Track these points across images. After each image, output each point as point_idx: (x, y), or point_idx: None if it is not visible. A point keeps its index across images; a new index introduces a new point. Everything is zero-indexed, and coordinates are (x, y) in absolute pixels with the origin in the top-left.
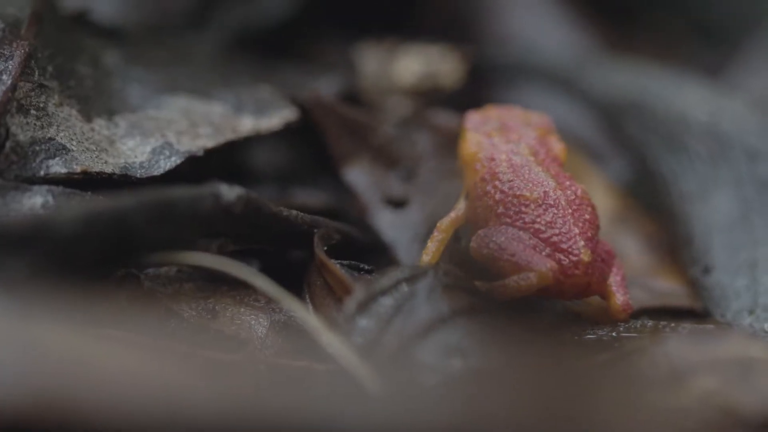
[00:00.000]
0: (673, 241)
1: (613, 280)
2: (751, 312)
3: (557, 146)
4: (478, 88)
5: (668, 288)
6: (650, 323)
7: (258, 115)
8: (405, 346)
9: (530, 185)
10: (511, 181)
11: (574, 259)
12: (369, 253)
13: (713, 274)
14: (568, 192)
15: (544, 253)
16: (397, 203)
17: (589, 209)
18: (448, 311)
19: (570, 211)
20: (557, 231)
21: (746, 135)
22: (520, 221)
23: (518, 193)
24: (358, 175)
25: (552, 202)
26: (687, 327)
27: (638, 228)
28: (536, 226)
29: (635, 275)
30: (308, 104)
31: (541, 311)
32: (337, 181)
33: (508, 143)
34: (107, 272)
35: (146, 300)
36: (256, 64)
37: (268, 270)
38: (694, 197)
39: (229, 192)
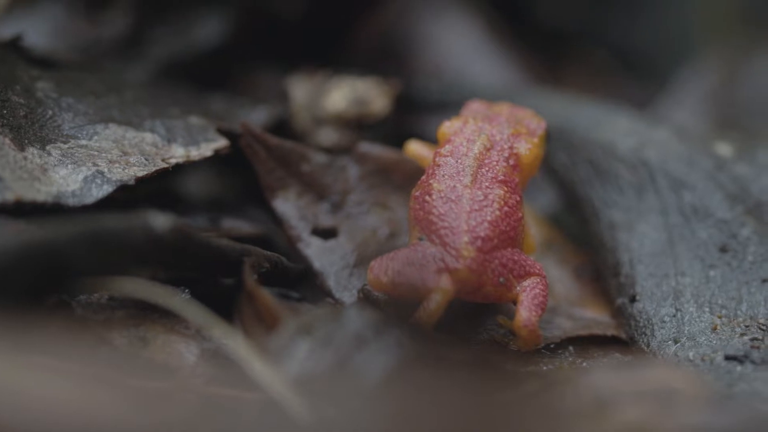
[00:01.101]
0: (600, 270)
1: (525, 296)
2: (675, 341)
3: (523, 147)
4: (406, 119)
5: (595, 317)
6: (576, 353)
7: (189, 144)
8: (333, 376)
9: (446, 175)
10: (439, 166)
11: (454, 253)
12: (299, 281)
13: (638, 303)
14: (478, 192)
15: (433, 258)
16: (326, 233)
17: (497, 213)
18: (376, 343)
19: (467, 208)
20: (446, 224)
21: (672, 165)
22: (422, 210)
23: (430, 180)
24: (287, 205)
25: (453, 197)
26: (612, 356)
27: (566, 258)
28: (431, 217)
29: (562, 305)
30: (238, 134)
31: (467, 341)
32: (267, 210)
33: (475, 131)
34: (39, 299)
35: (78, 328)
36: (187, 94)
37: (199, 297)
38: (622, 226)
39: (160, 221)
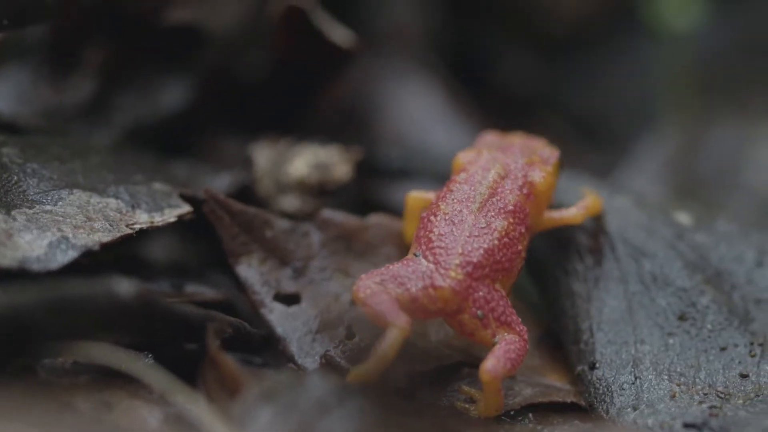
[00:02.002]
0: (561, 337)
1: (499, 347)
2: (634, 408)
3: (537, 175)
4: (369, 187)
5: (555, 384)
6: (535, 419)
7: (152, 210)
8: None
9: (456, 200)
10: (451, 191)
11: (442, 272)
12: (262, 347)
13: (598, 370)
14: (482, 219)
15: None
16: (289, 298)
17: (495, 243)
18: (338, 409)
19: (467, 233)
20: (443, 244)
21: (632, 233)
22: (424, 228)
23: (439, 203)
24: (251, 270)
25: (456, 221)
26: (572, 423)
27: (527, 325)
28: (431, 235)
29: (523, 371)
30: (201, 200)
31: (428, 407)
32: (230, 275)
33: (490, 160)
34: (2, 363)
35: (42, 392)
36: (152, 160)
37: (162, 362)
38: (582, 294)
39: (124, 286)
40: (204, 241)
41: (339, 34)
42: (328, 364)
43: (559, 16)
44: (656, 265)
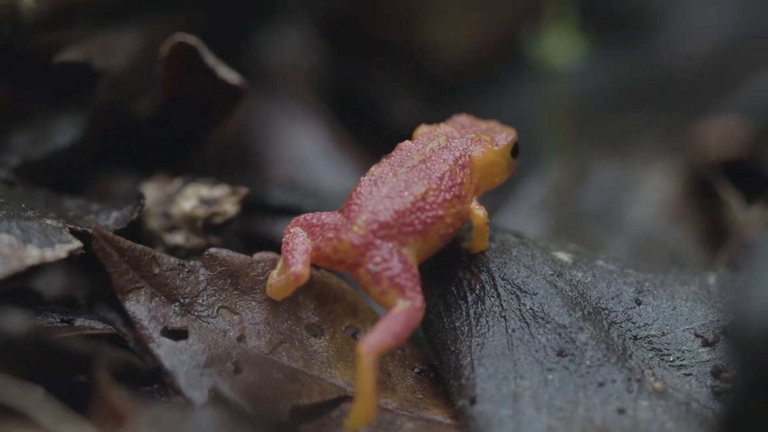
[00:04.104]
0: (442, 372)
1: (383, 320)
2: None
3: (478, 150)
4: (257, 224)
5: (436, 418)
6: None
7: (44, 245)
8: None
9: (389, 163)
10: (390, 156)
11: (348, 226)
12: (150, 380)
13: (478, 404)
14: (402, 182)
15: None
16: (177, 333)
17: (407, 205)
18: None
19: (384, 193)
20: (359, 202)
21: (513, 270)
22: (356, 188)
23: (374, 166)
24: (139, 306)
25: (379, 182)
26: None
27: (409, 360)
28: (353, 193)
29: (405, 406)
30: (91, 236)
31: None
32: (119, 310)
33: (439, 133)
34: None
35: None
36: (43, 196)
37: (53, 394)
38: (463, 330)
39: (14, 321)
40: (94, 277)
41: (228, 72)
42: (216, 398)
43: (446, 57)
44: (536, 302)
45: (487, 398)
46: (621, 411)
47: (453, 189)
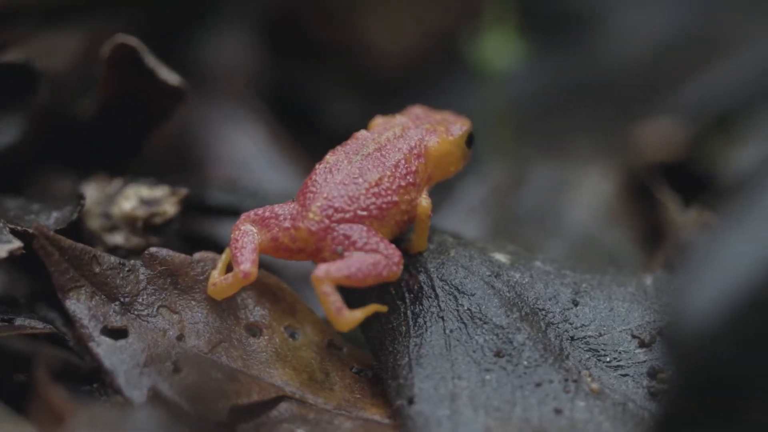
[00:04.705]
0: (380, 372)
1: (346, 257)
2: None
3: (433, 140)
4: (197, 225)
5: (374, 418)
6: None
7: None
8: None
9: (344, 152)
10: (345, 144)
11: (304, 214)
12: (90, 379)
13: (416, 404)
14: (356, 169)
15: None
16: (117, 333)
17: (361, 191)
18: None
19: (338, 180)
20: (314, 190)
21: (451, 271)
22: (310, 175)
23: (328, 154)
24: (79, 305)
25: (334, 170)
26: None
27: (347, 360)
28: (308, 181)
29: (343, 406)
30: (32, 236)
31: None
32: (59, 309)
33: (395, 123)
34: None
35: None
36: None
37: None
38: (401, 331)
39: None
40: (35, 276)
41: (168, 73)
42: (155, 397)
43: (386, 58)
44: (474, 302)
45: (424, 398)
46: (558, 411)
47: (408, 176)
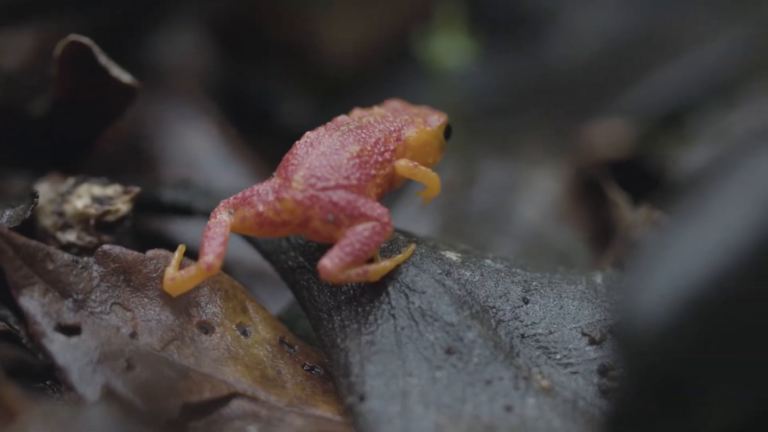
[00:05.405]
0: (331, 370)
1: (342, 240)
2: None
3: (411, 131)
4: (150, 223)
5: (326, 415)
6: None
7: None
8: None
9: (324, 128)
10: (326, 124)
11: (287, 185)
12: (43, 376)
13: (367, 402)
14: (337, 141)
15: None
16: (70, 330)
17: (343, 161)
18: None
19: (319, 151)
20: (295, 162)
21: (402, 269)
22: (291, 150)
23: (307, 132)
24: (32, 302)
25: (315, 144)
26: None
27: (298, 357)
28: (289, 156)
29: (294, 403)
30: None
31: None
32: (12, 306)
33: (374, 112)
34: None
35: None
36: None
37: None
38: (353, 328)
39: None
40: None
41: (120, 72)
42: (108, 395)
43: (337, 57)
44: (425, 300)
45: (375, 395)
46: (508, 408)
47: (386, 153)
